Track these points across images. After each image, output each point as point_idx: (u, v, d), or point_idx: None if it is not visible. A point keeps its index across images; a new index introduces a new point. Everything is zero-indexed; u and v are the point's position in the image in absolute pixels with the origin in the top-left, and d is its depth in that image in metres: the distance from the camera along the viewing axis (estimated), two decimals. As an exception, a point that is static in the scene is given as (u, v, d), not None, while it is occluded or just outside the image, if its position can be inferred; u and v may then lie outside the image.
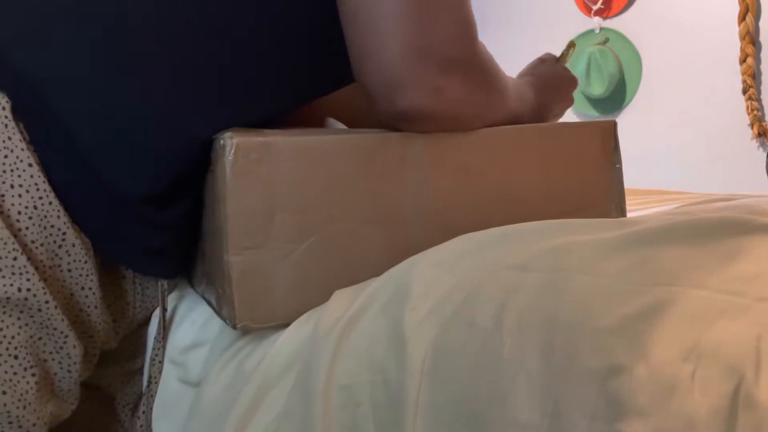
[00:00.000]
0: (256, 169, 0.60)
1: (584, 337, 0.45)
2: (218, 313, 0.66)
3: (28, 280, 0.61)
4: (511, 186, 0.72)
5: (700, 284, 0.44)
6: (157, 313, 0.78)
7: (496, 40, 3.31)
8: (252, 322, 0.62)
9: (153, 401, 0.74)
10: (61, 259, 0.65)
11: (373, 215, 0.65)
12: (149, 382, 0.76)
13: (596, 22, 2.89)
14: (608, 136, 0.78)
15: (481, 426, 0.48)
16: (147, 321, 0.79)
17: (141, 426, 0.80)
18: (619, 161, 0.79)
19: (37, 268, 0.63)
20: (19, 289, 0.61)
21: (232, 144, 0.59)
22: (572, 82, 0.95)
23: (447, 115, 0.65)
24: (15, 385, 0.61)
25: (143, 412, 0.77)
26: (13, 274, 0.61)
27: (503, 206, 0.71)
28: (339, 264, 0.64)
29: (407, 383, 0.52)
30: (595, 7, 2.88)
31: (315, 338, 0.59)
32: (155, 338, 0.76)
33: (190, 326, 0.74)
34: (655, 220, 0.54)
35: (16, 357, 0.62)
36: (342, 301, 0.61)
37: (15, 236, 0.61)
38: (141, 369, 0.81)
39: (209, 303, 0.70)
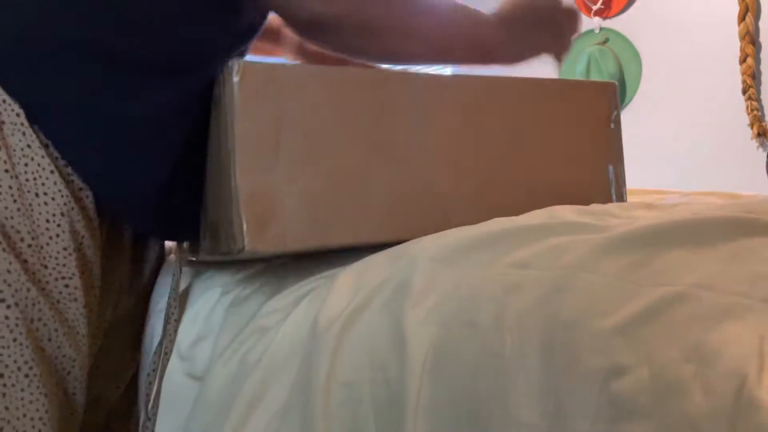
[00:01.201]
0: (263, 91, 0.62)
1: (586, 337, 0.45)
2: (226, 249, 0.65)
3: (66, 286, 0.64)
4: (511, 132, 0.74)
5: (703, 284, 0.44)
6: (157, 310, 0.78)
7: (496, 40, 3.31)
8: (261, 245, 0.61)
9: (158, 396, 0.74)
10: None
11: (378, 146, 0.67)
12: (154, 376, 0.76)
13: (596, 22, 2.89)
14: (609, 96, 0.81)
15: (481, 425, 0.47)
16: (132, 323, 0.79)
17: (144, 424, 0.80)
18: (618, 122, 0.81)
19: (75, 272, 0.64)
20: (66, 286, 0.63)
21: (239, 66, 0.62)
22: (563, 12, 0.86)
23: (344, 21, 0.70)
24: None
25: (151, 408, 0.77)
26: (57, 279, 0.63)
27: (504, 151, 0.74)
28: (345, 193, 0.65)
29: (408, 381, 0.52)
30: (595, 7, 2.88)
31: (316, 333, 0.59)
32: (164, 327, 0.76)
33: (194, 320, 0.74)
34: (656, 219, 0.54)
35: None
36: (343, 294, 0.61)
37: (48, 244, 0.62)
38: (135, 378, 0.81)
39: (216, 251, 0.68)
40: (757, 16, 2.49)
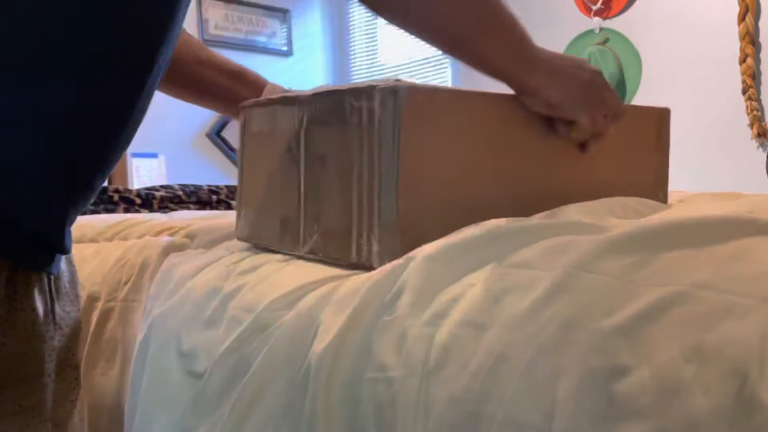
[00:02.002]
0: (424, 114, 0.64)
1: (586, 337, 0.45)
2: (354, 261, 0.66)
3: None
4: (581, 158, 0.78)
5: (704, 284, 0.44)
6: (153, 314, 0.78)
7: (496, 40, 3.31)
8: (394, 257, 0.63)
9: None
10: None
11: (501, 171, 0.70)
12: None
13: (596, 22, 2.89)
14: (663, 121, 0.87)
15: (482, 425, 0.47)
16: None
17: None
18: (668, 146, 0.86)
19: None
20: None
21: (405, 89, 0.62)
22: (601, 86, 0.78)
23: None
24: None
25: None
26: None
27: (577, 167, 0.78)
28: (473, 214, 0.66)
29: (408, 382, 0.52)
30: (595, 7, 2.88)
31: (316, 332, 0.59)
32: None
33: (194, 316, 0.74)
34: (656, 219, 0.54)
35: None
36: (344, 294, 0.61)
37: None
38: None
39: (328, 253, 0.70)
40: (757, 16, 2.49)
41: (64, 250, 0.62)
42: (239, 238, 0.84)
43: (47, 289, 0.62)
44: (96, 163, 0.62)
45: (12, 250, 0.57)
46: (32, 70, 0.56)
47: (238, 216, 0.85)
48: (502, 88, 0.73)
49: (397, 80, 0.63)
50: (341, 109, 0.66)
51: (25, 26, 0.56)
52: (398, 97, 0.62)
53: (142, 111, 0.64)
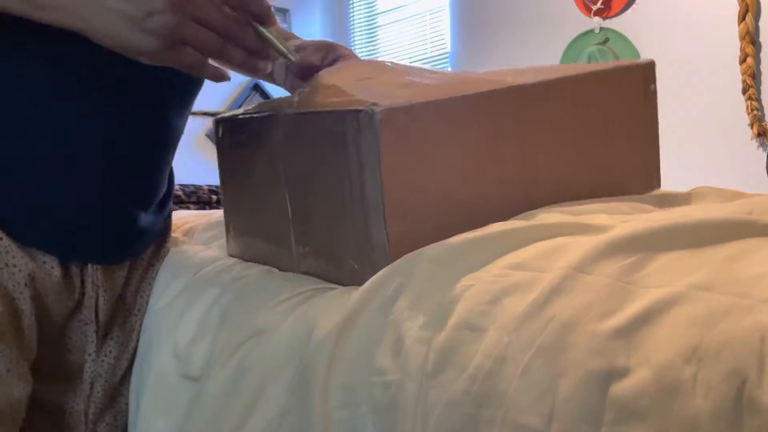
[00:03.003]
0: (404, 134, 0.60)
1: (585, 338, 0.45)
2: (348, 281, 0.65)
3: None
4: (568, 133, 0.73)
5: (703, 285, 0.44)
6: (156, 309, 0.78)
7: (497, 40, 3.31)
8: None
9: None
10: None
11: (498, 174, 0.67)
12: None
13: (596, 22, 2.89)
14: (646, 74, 0.79)
15: (481, 429, 0.47)
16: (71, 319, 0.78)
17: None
18: (654, 98, 0.79)
19: None
20: None
21: (379, 112, 0.59)
22: None
23: None
24: None
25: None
26: None
27: (571, 154, 0.73)
28: (468, 224, 0.63)
29: (407, 385, 0.52)
30: (595, 7, 2.88)
31: (314, 336, 0.59)
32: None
33: (191, 320, 0.74)
34: (655, 220, 0.54)
35: None
36: (340, 295, 0.61)
37: None
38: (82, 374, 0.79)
39: (325, 274, 0.68)
40: (757, 16, 2.49)
41: None
42: (232, 256, 0.83)
43: None
44: None
45: None
46: None
47: (228, 232, 0.84)
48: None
49: (374, 104, 0.59)
50: (324, 131, 0.64)
51: None
52: (374, 121, 0.59)
53: None
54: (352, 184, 0.62)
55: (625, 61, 0.86)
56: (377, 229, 0.61)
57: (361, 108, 0.60)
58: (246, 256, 0.80)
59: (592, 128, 0.75)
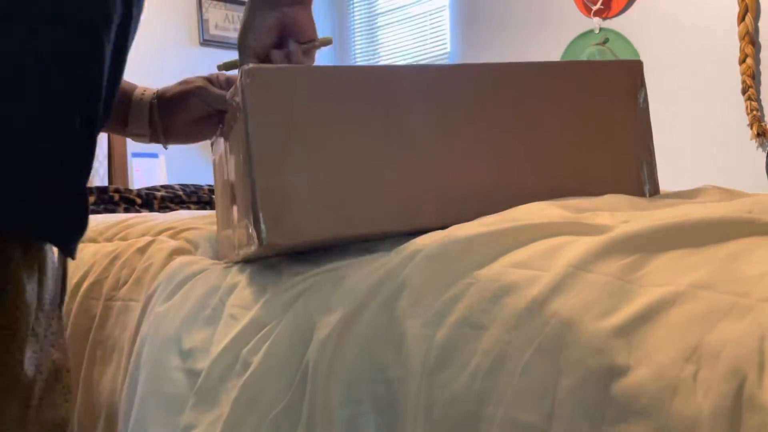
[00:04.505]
0: (273, 93, 0.65)
1: (585, 337, 0.45)
2: (252, 244, 0.68)
3: None
4: (529, 121, 0.73)
5: (703, 284, 0.44)
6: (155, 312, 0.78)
7: (497, 40, 3.31)
8: (279, 237, 0.64)
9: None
10: None
11: (388, 140, 0.68)
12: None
13: (596, 22, 2.89)
14: (634, 75, 0.78)
15: (481, 426, 0.47)
16: None
17: None
18: (646, 102, 0.79)
19: None
20: None
21: (250, 70, 0.65)
22: None
23: None
24: None
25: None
26: None
27: (521, 141, 0.73)
28: (357, 186, 0.67)
29: (408, 382, 0.52)
30: (594, 7, 2.88)
31: (315, 332, 0.59)
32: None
33: (194, 316, 0.74)
34: (654, 219, 0.54)
35: None
36: (341, 292, 0.61)
37: None
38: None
39: (248, 251, 0.71)
40: (757, 16, 2.49)
41: None
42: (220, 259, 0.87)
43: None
44: None
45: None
46: None
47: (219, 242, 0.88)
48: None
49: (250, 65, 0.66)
50: (239, 89, 0.69)
51: None
52: (243, 77, 0.65)
53: None
54: (242, 142, 0.67)
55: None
56: (251, 178, 0.65)
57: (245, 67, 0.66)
58: (223, 258, 0.84)
59: (568, 123, 0.75)
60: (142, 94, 0.87)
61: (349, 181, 0.66)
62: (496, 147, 0.72)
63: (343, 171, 0.66)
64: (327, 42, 0.84)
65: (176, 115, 0.86)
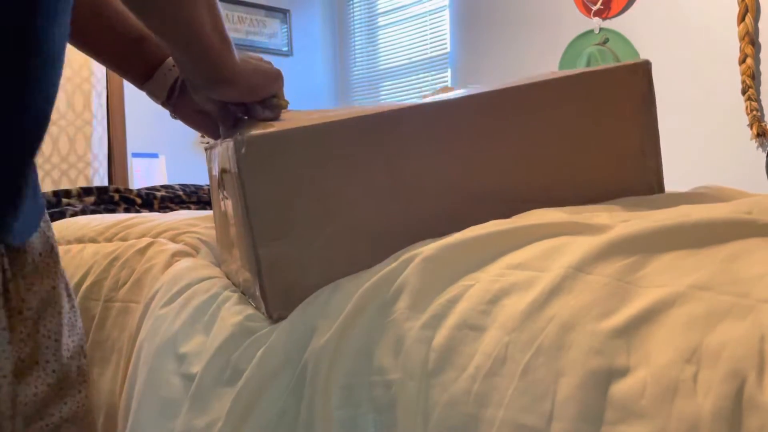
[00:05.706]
0: (270, 161, 0.62)
1: (586, 338, 0.45)
2: (259, 309, 0.67)
3: None
4: (535, 144, 0.71)
5: (703, 285, 0.44)
6: (157, 314, 0.78)
7: (497, 40, 3.31)
8: (286, 310, 0.63)
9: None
10: None
11: (394, 188, 0.66)
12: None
13: (596, 22, 2.89)
14: (642, 76, 0.75)
15: (481, 428, 0.47)
16: None
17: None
18: (653, 103, 0.76)
19: None
20: None
21: (245, 140, 0.62)
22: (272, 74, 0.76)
23: None
24: None
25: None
26: None
27: (530, 167, 0.71)
28: (364, 242, 0.65)
29: (407, 385, 0.52)
30: (594, 8, 2.88)
31: (313, 336, 0.59)
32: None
33: (191, 320, 0.74)
34: (654, 220, 0.54)
35: None
36: (340, 297, 0.61)
37: None
38: None
39: (248, 294, 0.71)
40: (756, 16, 2.49)
41: None
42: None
43: None
44: None
45: None
46: None
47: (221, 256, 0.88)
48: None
49: (247, 132, 0.62)
50: (232, 157, 0.66)
51: None
52: (239, 149, 0.62)
53: None
54: (240, 206, 0.65)
55: (611, 65, 0.81)
56: (255, 251, 0.63)
57: (238, 137, 0.63)
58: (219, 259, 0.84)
59: (576, 135, 0.73)
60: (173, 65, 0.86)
61: (356, 242, 0.64)
62: (503, 180, 0.70)
63: (350, 232, 0.64)
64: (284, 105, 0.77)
65: (189, 97, 0.86)
